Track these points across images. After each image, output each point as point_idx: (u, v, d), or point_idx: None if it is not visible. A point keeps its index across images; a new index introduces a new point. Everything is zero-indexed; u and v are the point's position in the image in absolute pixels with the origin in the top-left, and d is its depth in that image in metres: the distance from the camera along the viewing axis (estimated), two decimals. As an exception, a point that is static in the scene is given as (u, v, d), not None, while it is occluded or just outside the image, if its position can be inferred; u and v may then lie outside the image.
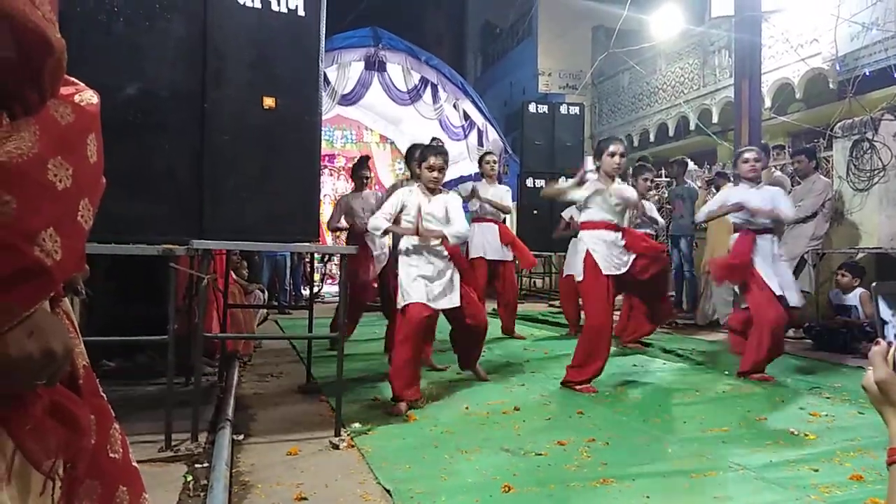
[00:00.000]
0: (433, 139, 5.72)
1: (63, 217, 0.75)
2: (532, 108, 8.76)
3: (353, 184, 6.39)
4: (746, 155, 4.80)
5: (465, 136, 10.62)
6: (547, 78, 14.98)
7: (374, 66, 9.37)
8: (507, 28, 18.21)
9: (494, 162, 6.38)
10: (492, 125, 10.70)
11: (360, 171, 6.14)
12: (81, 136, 0.80)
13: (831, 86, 8.04)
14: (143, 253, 2.90)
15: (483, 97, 11.74)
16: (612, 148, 4.34)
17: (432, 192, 3.99)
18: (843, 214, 6.90)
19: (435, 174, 3.93)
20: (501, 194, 6.27)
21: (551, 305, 9.25)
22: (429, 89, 9.91)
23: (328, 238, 13.48)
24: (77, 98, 0.82)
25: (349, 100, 9.36)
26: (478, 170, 7.86)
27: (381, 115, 11.28)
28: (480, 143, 10.67)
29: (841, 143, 7.04)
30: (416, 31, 19.15)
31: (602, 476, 2.60)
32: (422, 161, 3.97)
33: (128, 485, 0.98)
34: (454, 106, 10.41)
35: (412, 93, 9.68)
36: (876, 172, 6.62)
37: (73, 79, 0.83)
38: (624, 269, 4.30)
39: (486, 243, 6.16)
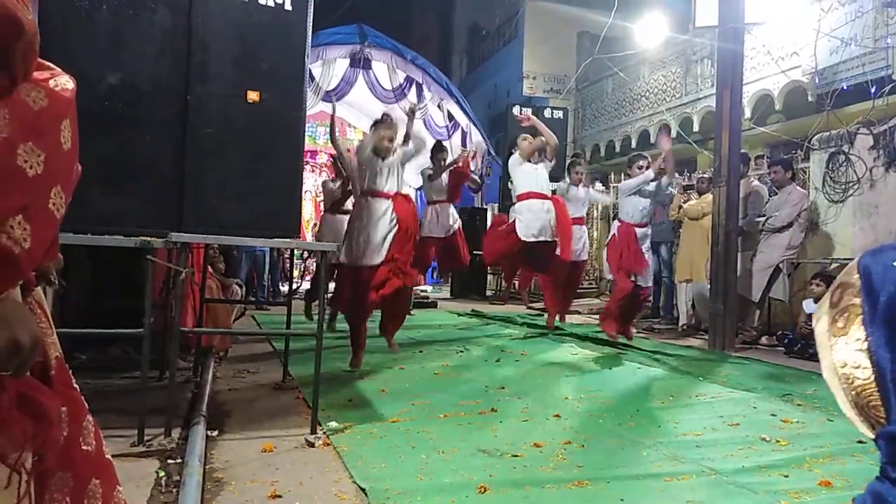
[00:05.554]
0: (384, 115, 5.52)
1: (33, 204, 0.72)
2: (516, 110, 8.76)
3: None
4: (642, 162, 5.80)
5: (449, 137, 10.62)
6: (531, 81, 15.05)
7: (360, 63, 9.35)
8: (493, 30, 18.24)
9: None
10: (475, 126, 10.73)
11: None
12: (55, 121, 0.77)
13: (810, 98, 8.17)
14: (120, 244, 2.86)
15: (468, 98, 11.75)
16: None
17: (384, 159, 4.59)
18: (817, 225, 7.03)
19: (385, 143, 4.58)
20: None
21: (530, 308, 9.27)
22: (414, 88, 9.90)
23: (308, 234, 13.44)
24: (52, 83, 0.78)
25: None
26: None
27: (365, 113, 11.25)
28: (464, 144, 10.69)
29: (818, 156, 7.17)
30: (403, 31, 19.12)
31: (577, 478, 2.62)
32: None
33: (101, 478, 0.96)
34: (438, 106, 10.41)
35: (397, 91, 9.67)
36: (851, 185, 6.75)
37: (48, 63, 0.81)
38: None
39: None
